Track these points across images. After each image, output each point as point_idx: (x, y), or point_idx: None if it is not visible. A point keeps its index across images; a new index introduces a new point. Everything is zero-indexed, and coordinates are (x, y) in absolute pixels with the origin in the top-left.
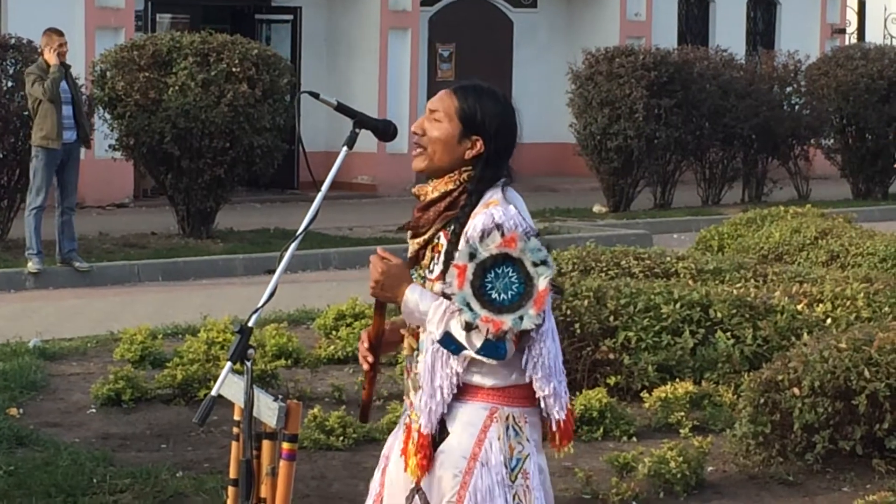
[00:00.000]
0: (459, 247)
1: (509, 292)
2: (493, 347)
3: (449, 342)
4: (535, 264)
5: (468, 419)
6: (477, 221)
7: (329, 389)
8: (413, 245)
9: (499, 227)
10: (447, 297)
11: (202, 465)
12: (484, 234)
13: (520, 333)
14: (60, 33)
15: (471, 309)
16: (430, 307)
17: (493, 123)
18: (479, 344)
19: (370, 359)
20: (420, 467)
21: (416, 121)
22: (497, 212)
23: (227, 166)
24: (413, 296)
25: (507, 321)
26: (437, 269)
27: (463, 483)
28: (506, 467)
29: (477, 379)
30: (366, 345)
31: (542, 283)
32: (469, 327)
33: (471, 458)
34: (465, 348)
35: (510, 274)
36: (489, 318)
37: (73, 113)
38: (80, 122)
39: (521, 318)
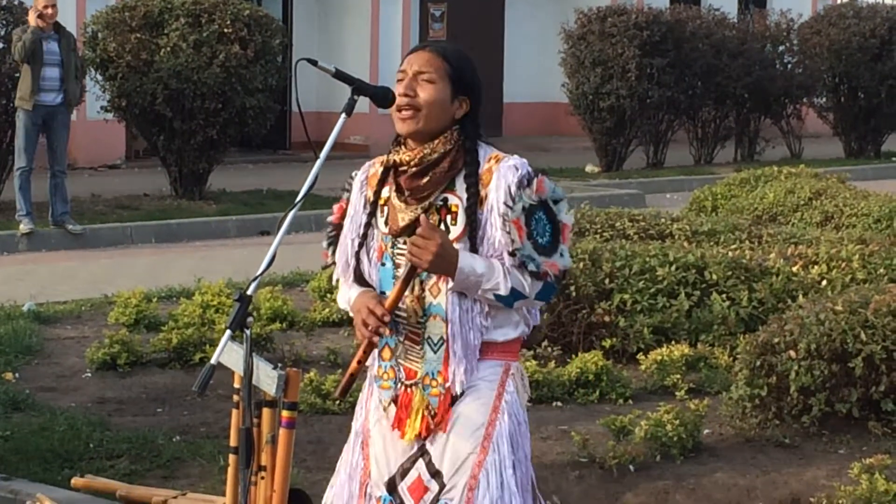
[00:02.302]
0: (506, 204)
1: (546, 234)
2: (549, 289)
3: (512, 296)
4: (554, 202)
5: (486, 376)
6: (506, 175)
7: (324, 353)
8: (408, 213)
9: (528, 175)
10: (511, 253)
11: (198, 429)
12: (522, 185)
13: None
14: None
15: (533, 259)
16: (486, 268)
17: (474, 82)
18: (538, 289)
19: (384, 331)
20: (426, 430)
21: (403, 83)
22: (516, 161)
23: (219, 127)
24: (468, 261)
25: (559, 262)
26: (456, 229)
27: (486, 434)
28: (522, 415)
29: (494, 335)
30: (387, 318)
31: (565, 218)
32: (536, 276)
33: (492, 410)
34: (524, 297)
35: (542, 218)
36: (550, 263)
37: (61, 76)
38: (67, 86)
39: (561, 255)
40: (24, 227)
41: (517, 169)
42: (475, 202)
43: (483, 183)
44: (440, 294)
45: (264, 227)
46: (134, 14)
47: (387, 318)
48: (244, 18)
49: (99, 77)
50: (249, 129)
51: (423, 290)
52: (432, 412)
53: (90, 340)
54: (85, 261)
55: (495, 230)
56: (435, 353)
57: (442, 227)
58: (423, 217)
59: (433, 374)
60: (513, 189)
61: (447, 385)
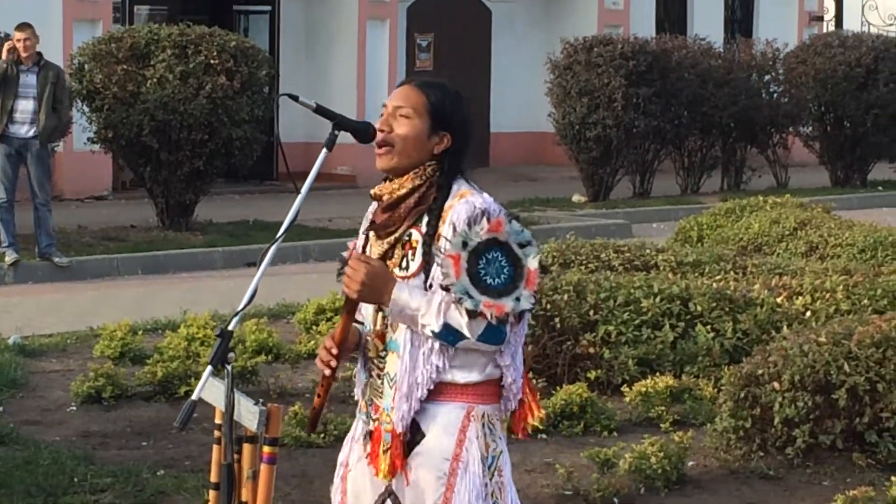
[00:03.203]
0: (446, 238)
1: (501, 276)
2: (494, 332)
3: (447, 333)
4: (521, 245)
5: (447, 420)
6: (460, 211)
7: (310, 385)
8: (380, 245)
9: (484, 212)
10: (445, 289)
11: (183, 463)
12: (472, 222)
13: (518, 315)
14: (22, 28)
15: (471, 297)
16: (422, 302)
17: (457, 117)
18: (480, 330)
19: (333, 364)
20: (392, 469)
21: (382, 118)
22: (477, 199)
23: (205, 158)
24: (402, 294)
25: (506, 304)
26: (414, 264)
27: (448, 485)
28: (483, 465)
29: (454, 376)
30: (334, 350)
31: (531, 263)
32: (473, 315)
33: (453, 458)
34: (464, 337)
35: (499, 258)
36: (491, 304)
37: (35, 109)
38: (41, 118)
39: (517, 299)
40: (9, 257)
41: (474, 207)
42: (431, 238)
43: (442, 219)
44: (399, 330)
45: (251, 258)
46: (120, 45)
47: (334, 351)
48: (231, 50)
49: (85, 108)
50: (236, 160)
51: (385, 325)
52: (384, 448)
53: (75, 374)
54: (71, 293)
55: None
56: (391, 389)
57: (404, 262)
58: (350, 243)
59: (388, 410)
60: (459, 225)
61: (392, 422)
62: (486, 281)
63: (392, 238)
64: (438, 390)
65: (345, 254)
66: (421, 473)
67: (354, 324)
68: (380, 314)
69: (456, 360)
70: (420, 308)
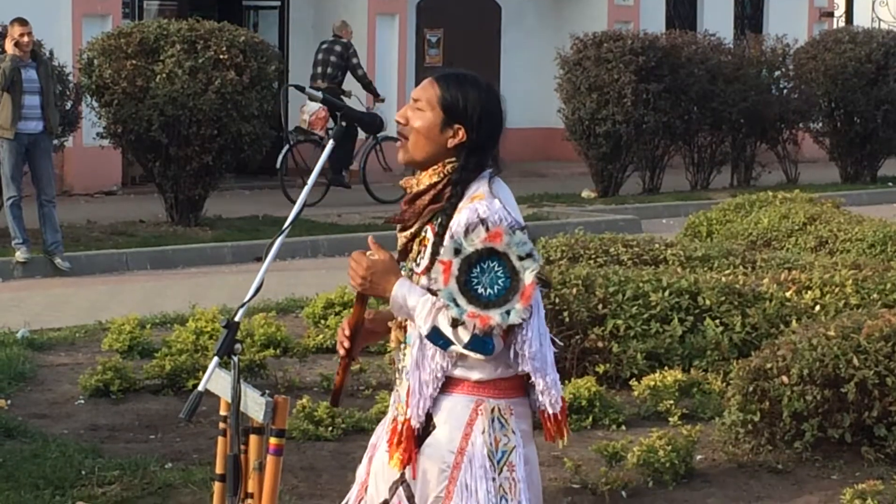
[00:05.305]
0: (444, 242)
1: (495, 287)
2: (481, 343)
3: (437, 337)
4: (520, 258)
5: (453, 412)
6: (461, 216)
7: (318, 379)
8: (401, 238)
9: (483, 221)
10: (433, 292)
11: (191, 455)
12: (468, 229)
13: (508, 328)
14: (23, 22)
15: (457, 305)
16: (418, 302)
17: (475, 111)
18: (466, 339)
19: (346, 344)
20: (402, 460)
21: (400, 111)
22: (481, 206)
23: (215, 153)
24: (401, 291)
25: (494, 316)
26: (424, 263)
27: (451, 478)
28: (490, 460)
29: (462, 372)
30: (346, 332)
31: (528, 277)
32: (456, 323)
33: (458, 452)
34: (452, 343)
35: (496, 268)
36: (476, 314)
37: (41, 103)
38: (47, 113)
39: (507, 312)
40: (21, 255)
41: (476, 213)
42: (441, 237)
43: (451, 222)
44: (412, 326)
45: (260, 253)
46: (130, 41)
47: (346, 333)
48: (240, 45)
49: (95, 104)
50: (245, 155)
51: (405, 319)
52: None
53: (83, 367)
54: (80, 287)
55: None
56: (406, 382)
57: (419, 258)
58: (370, 237)
59: (404, 401)
60: (459, 230)
61: (406, 416)
62: (478, 290)
63: (409, 232)
64: (449, 382)
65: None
66: (427, 465)
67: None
68: None
69: (461, 358)
70: (415, 307)
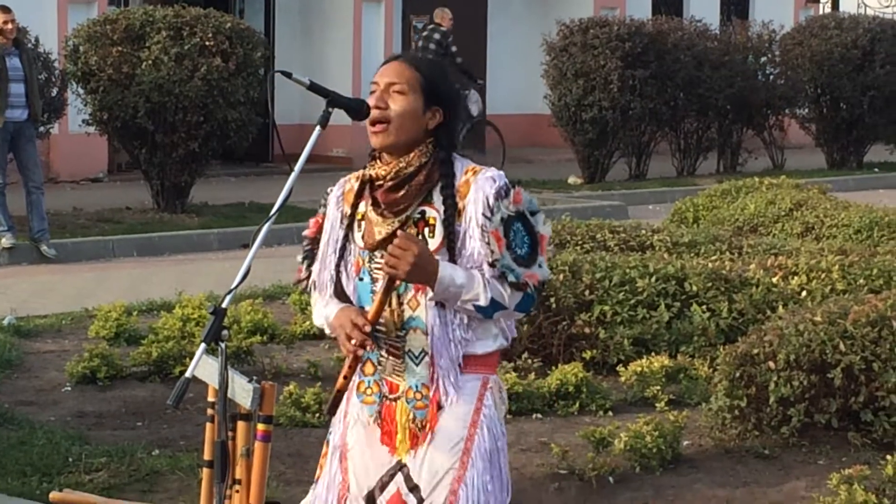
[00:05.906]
0: (485, 215)
1: (525, 246)
2: (527, 301)
3: (494, 307)
4: (532, 213)
5: (464, 390)
6: (484, 186)
7: (305, 365)
8: (385, 226)
9: (507, 186)
10: (491, 264)
11: (178, 442)
12: (500, 196)
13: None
14: (6, 10)
15: (512, 269)
16: (465, 278)
17: (448, 92)
18: (517, 300)
19: (368, 343)
20: (413, 442)
21: (375, 95)
22: (493, 173)
23: (201, 140)
24: (447, 271)
25: (538, 273)
26: (434, 242)
27: (464, 449)
28: (500, 428)
29: (475, 348)
30: (367, 329)
31: (542, 229)
32: (516, 286)
33: (470, 425)
34: (503, 308)
35: (521, 229)
36: (529, 274)
37: (25, 91)
38: (32, 100)
39: (540, 265)
40: (6, 242)
41: (494, 180)
42: (453, 214)
43: (461, 195)
44: (419, 307)
45: (246, 240)
46: (115, 27)
47: (367, 329)
48: (226, 31)
49: (80, 90)
50: (231, 142)
51: (401, 303)
52: (419, 425)
53: (70, 354)
54: (66, 274)
55: (474, 241)
56: (417, 365)
57: (420, 239)
58: (400, 229)
59: (417, 386)
60: (491, 200)
61: (431, 397)
62: (517, 252)
63: (403, 216)
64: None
65: (306, 232)
66: (438, 444)
67: (343, 303)
68: (395, 293)
69: (475, 332)
70: (464, 285)
